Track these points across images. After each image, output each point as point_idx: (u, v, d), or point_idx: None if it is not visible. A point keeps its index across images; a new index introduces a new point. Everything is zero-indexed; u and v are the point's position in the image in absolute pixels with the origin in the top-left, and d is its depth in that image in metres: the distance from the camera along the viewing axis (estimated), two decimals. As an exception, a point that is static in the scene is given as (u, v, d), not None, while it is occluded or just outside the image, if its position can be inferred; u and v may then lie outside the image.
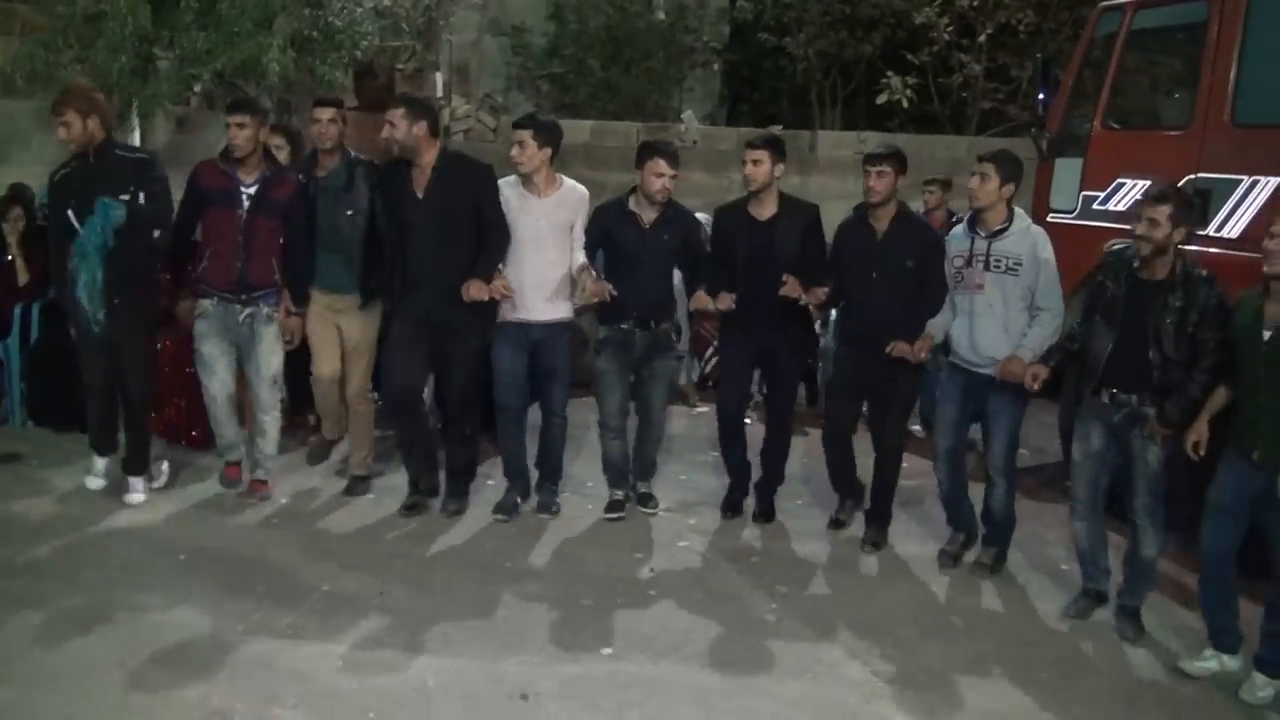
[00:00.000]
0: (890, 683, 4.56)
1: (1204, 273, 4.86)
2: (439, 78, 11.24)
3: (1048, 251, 5.47)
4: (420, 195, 5.85)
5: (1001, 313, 5.47)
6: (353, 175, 6.12)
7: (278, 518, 6.10)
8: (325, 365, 6.34)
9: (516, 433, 6.31)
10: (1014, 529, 5.81)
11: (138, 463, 6.15)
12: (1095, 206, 7.17)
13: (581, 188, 6.16)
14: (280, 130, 6.84)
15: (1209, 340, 4.73)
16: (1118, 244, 6.05)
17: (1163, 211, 4.76)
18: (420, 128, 5.78)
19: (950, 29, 13.53)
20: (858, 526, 6.22)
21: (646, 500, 6.55)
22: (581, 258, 6.01)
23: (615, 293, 5.84)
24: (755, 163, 5.91)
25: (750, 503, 6.49)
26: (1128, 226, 6.40)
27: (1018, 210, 5.58)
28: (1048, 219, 7.46)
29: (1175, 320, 4.79)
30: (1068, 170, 7.55)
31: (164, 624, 4.71)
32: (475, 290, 5.74)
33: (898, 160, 5.75)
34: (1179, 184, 6.05)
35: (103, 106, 5.79)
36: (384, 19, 10.21)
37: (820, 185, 11.70)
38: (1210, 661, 4.80)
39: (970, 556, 5.89)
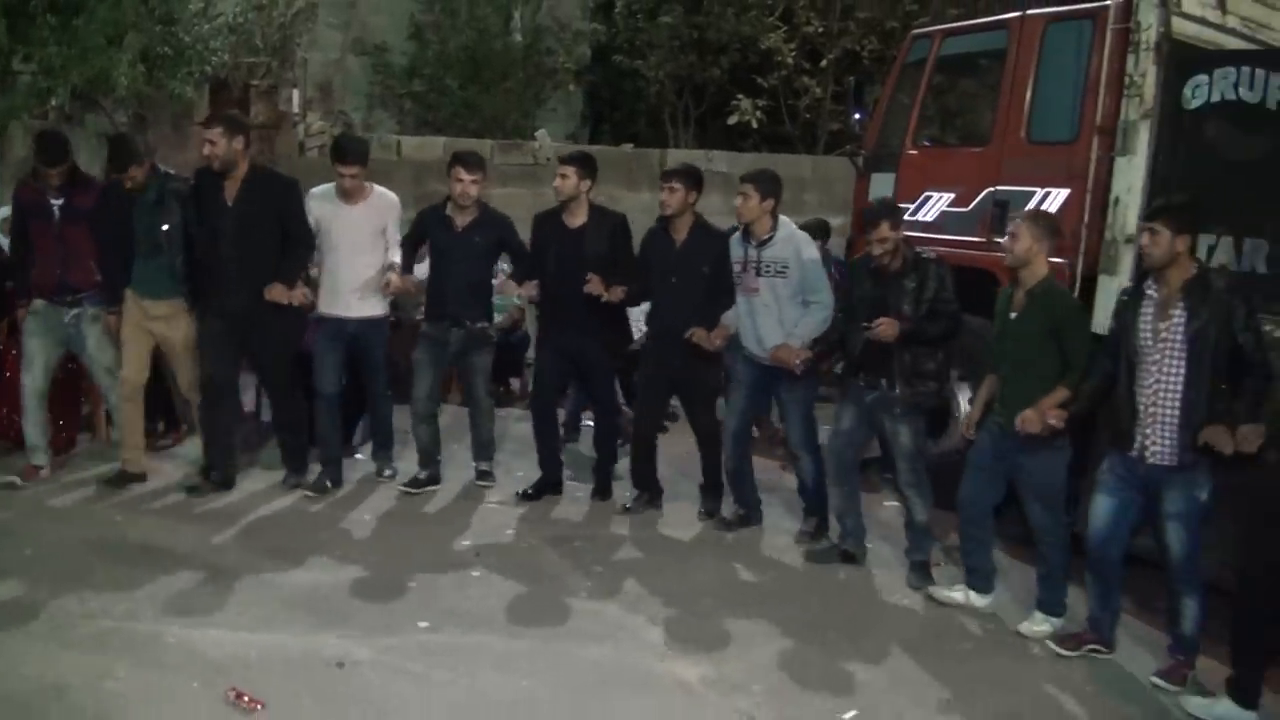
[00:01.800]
0: (685, 644, 4.99)
1: (929, 254, 5.77)
2: (295, 94, 11.45)
3: (810, 252, 6.23)
4: (230, 204, 6.29)
5: (776, 310, 6.17)
6: (163, 191, 6.41)
7: (126, 507, 6.34)
8: (131, 369, 6.55)
9: (331, 420, 6.88)
10: (827, 500, 6.33)
11: None
12: (906, 218, 7.63)
13: (391, 195, 6.82)
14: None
15: (945, 305, 5.61)
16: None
17: (885, 226, 5.64)
18: (238, 143, 6.27)
19: (794, 54, 14.11)
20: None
21: (484, 476, 7.16)
22: (394, 257, 6.60)
23: (418, 287, 6.49)
24: (563, 176, 6.53)
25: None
26: (935, 236, 7.07)
27: (782, 219, 6.30)
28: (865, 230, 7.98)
29: (913, 297, 5.65)
30: (881, 185, 8.00)
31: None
32: (276, 293, 6.27)
33: (688, 177, 6.39)
34: (980, 195, 6.99)
35: None
36: (236, 35, 10.39)
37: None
38: (958, 593, 5.62)
39: (825, 542, 6.40)
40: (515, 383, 9.62)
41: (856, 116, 8.71)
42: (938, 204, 7.49)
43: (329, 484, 6.82)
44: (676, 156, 12.93)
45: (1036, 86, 6.94)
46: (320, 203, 6.62)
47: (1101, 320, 5.86)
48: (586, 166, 6.61)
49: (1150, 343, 4.81)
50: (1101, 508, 5.02)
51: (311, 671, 4.53)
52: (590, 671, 4.70)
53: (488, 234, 6.71)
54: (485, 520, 6.56)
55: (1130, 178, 6.06)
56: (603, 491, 7.02)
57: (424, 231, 6.81)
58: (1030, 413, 5.05)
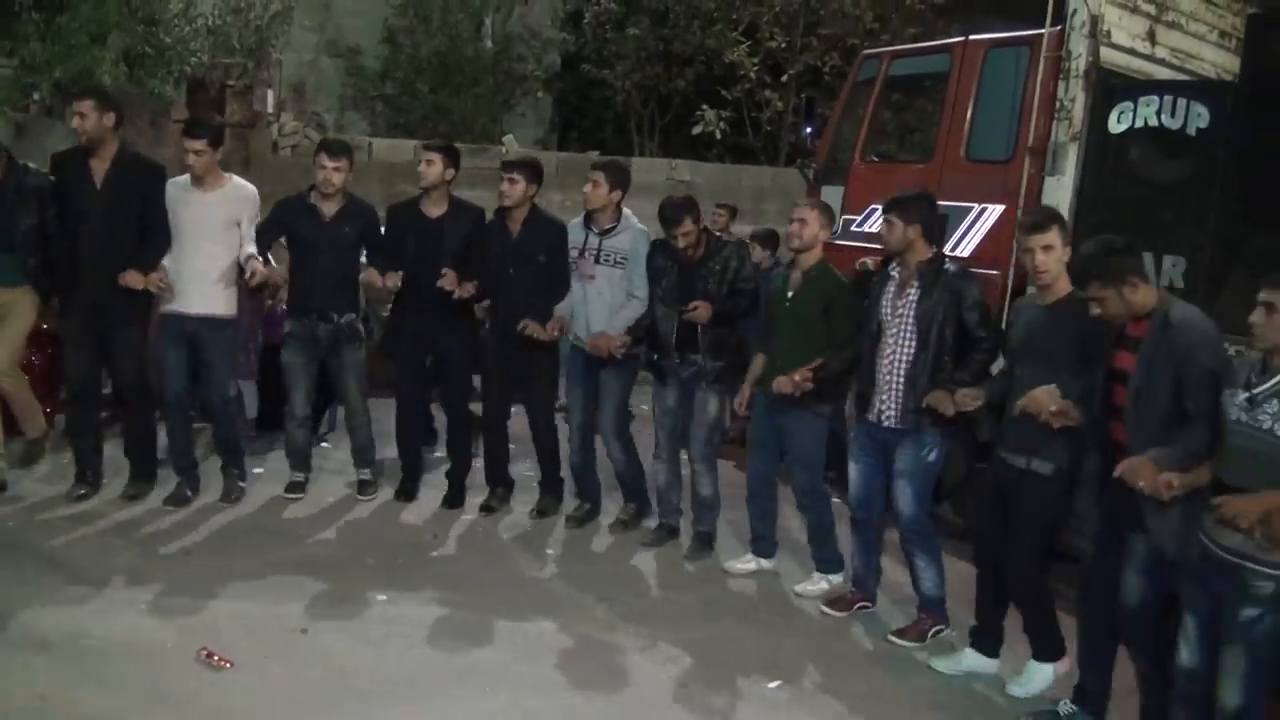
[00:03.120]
0: (625, 619, 5.37)
1: (726, 238, 6.37)
2: (269, 95, 11.73)
3: (644, 249, 6.39)
4: (98, 185, 6.09)
5: (610, 299, 6.38)
6: (21, 187, 6.18)
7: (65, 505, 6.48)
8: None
9: (181, 422, 6.60)
10: (644, 480, 6.76)
11: None
12: (853, 229, 7.97)
13: (250, 186, 6.46)
14: None
15: (745, 284, 6.13)
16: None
17: (687, 221, 6.02)
18: (109, 119, 6.06)
19: (758, 68, 14.51)
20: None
21: (365, 486, 6.96)
22: (250, 249, 6.26)
23: (285, 278, 6.35)
24: (429, 163, 6.50)
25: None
26: (879, 246, 7.43)
27: (626, 211, 6.48)
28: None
29: (716, 279, 6.09)
30: (831, 197, 8.25)
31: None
32: (131, 279, 6.02)
33: (528, 169, 6.50)
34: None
35: None
36: (215, 37, 10.68)
37: (634, 208, 12.46)
38: (750, 563, 6.18)
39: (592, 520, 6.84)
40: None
41: (808, 131, 9.09)
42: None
43: (189, 493, 6.56)
44: (641, 165, 13.29)
45: (976, 108, 7.29)
46: (174, 190, 6.28)
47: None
48: (451, 157, 6.58)
49: (889, 317, 5.33)
50: (854, 472, 5.56)
51: (277, 636, 4.86)
52: (537, 642, 5.05)
53: (356, 224, 6.55)
54: (445, 512, 6.82)
55: (1059, 196, 6.44)
56: (453, 499, 6.90)
57: (284, 222, 6.54)
58: (782, 377, 5.59)
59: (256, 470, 7.14)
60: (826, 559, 5.97)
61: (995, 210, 6.94)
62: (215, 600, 5.18)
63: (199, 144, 6.15)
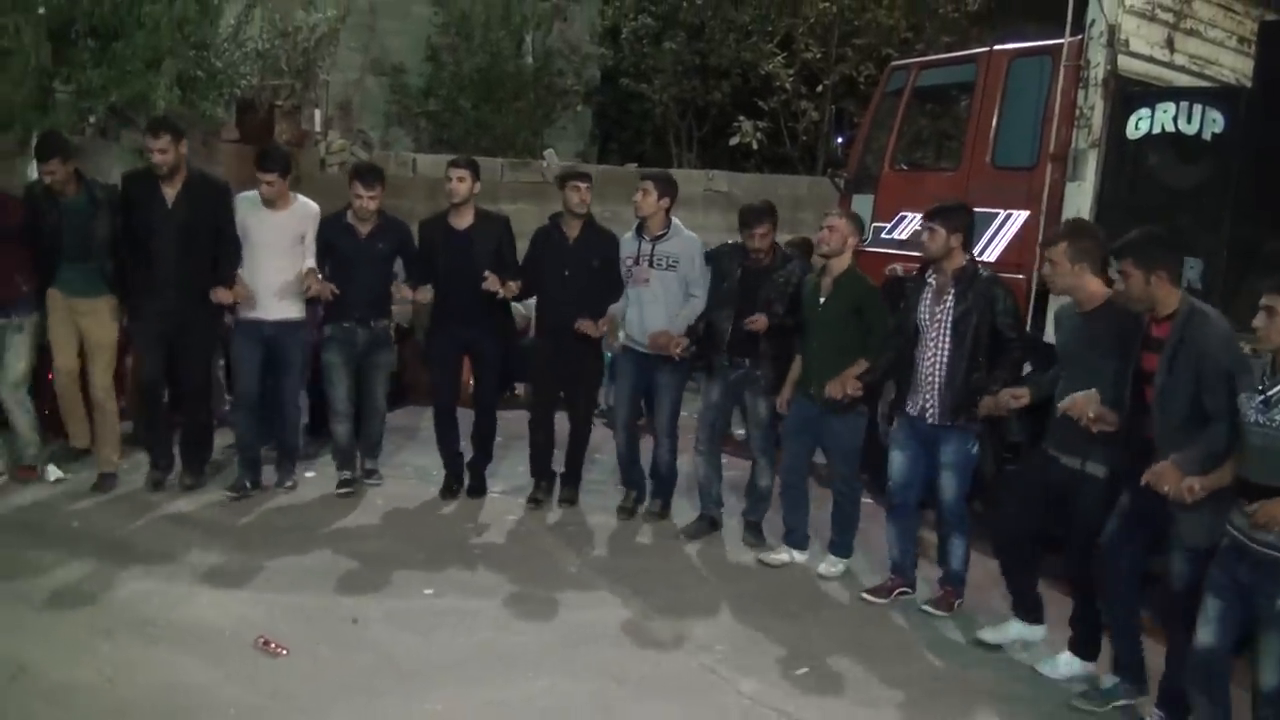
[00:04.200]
0: (661, 611, 5.62)
1: (793, 254, 6.65)
2: (317, 114, 12.05)
3: (699, 251, 6.85)
4: (169, 204, 6.64)
5: (664, 301, 6.78)
6: (94, 198, 6.75)
7: (135, 497, 6.91)
8: (63, 358, 6.94)
9: (249, 421, 7.11)
10: (675, 480, 7.19)
11: None
12: (884, 235, 8.19)
13: (313, 204, 7.08)
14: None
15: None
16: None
17: (767, 224, 6.45)
18: (183, 148, 6.68)
19: (793, 79, 14.71)
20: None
21: (370, 474, 7.46)
22: (310, 263, 6.94)
23: (337, 292, 6.86)
24: (460, 180, 6.94)
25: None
26: (911, 253, 7.64)
27: (674, 219, 6.91)
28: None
29: (778, 291, 6.45)
30: (862, 205, 8.52)
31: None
32: (222, 295, 6.70)
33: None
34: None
35: None
36: (264, 60, 11.02)
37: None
38: (784, 555, 6.47)
39: (641, 509, 7.20)
40: (520, 388, 10.19)
41: (839, 141, 9.31)
42: (911, 223, 8.03)
43: (248, 484, 7.07)
44: (679, 176, 13.42)
45: (1001, 116, 7.51)
46: (245, 208, 6.89)
47: (1051, 329, 6.49)
48: (476, 171, 7.04)
49: (927, 322, 5.67)
50: (898, 460, 5.90)
51: (328, 626, 5.16)
52: (574, 632, 5.31)
53: (389, 240, 7.10)
54: (489, 506, 7.18)
55: (1080, 201, 6.61)
56: (476, 489, 7.37)
57: (327, 240, 7.04)
58: (833, 382, 5.91)
59: (309, 474, 7.48)
60: (845, 544, 6.38)
61: (1020, 216, 7.15)
62: (270, 592, 5.50)
63: (271, 176, 6.76)
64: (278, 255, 6.89)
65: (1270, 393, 3.93)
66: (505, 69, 14.25)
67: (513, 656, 5.00)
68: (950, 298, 5.60)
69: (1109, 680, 4.90)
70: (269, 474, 7.28)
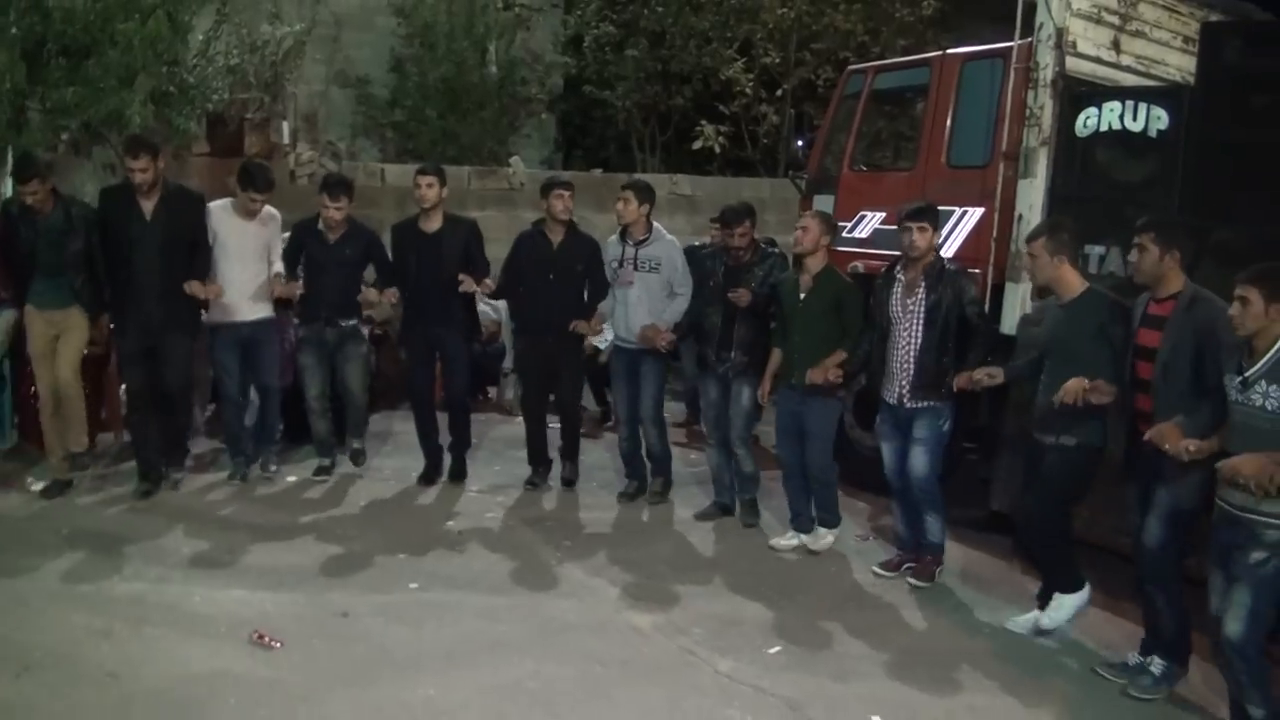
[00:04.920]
0: (638, 600, 5.84)
1: (772, 248, 7.03)
2: (285, 126, 12.19)
3: (680, 255, 7.32)
4: (148, 218, 6.88)
5: (647, 302, 7.19)
6: (69, 215, 6.92)
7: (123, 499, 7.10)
8: (44, 373, 7.07)
9: (235, 415, 7.58)
10: (671, 460, 7.67)
11: None
12: (844, 234, 8.42)
13: (275, 211, 7.45)
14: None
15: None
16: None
17: (747, 224, 6.91)
18: (161, 164, 6.97)
19: (754, 83, 14.96)
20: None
21: (357, 455, 7.85)
22: (279, 267, 7.36)
23: (303, 291, 7.31)
24: (429, 186, 7.31)
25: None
26: (871, 250, 7.88)
27: (656, 224, 7.36)
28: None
29: (759, 283, 6.86)
30: (822, 206, 8.73)
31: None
32: (195, 288, 6.93)
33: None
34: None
35: None
36: (234, 74, 11.15)
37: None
38: (793, 539, 6.84)
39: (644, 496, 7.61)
40: (492, 391, 10.39)
41: (799, 144, 9.56)
42: (871, 222, 8.32)
43: (244, 476, 7.55)
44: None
45: (955, 117, 7.81)
46: (218, 216, 7.25)
47: (1009, 321, 6.79)
48: (442, 177, 7.41)
49: (900, 314, 6.11)
50: (886, 453, 6.34)
51: (320, 620, 5.36)
52: (557, 620, 5.53)
53: (357, 245, 7.50)
54: (467, 504, 7.38)
55: (1031, 197, 6.85)
56: (457, 474, 7.79)
57: (300, 244, 7.50)
58: (815, 369, 6.34)
59: (290, 479, 7.67)
60: (829, 517, 6.84)
61: (976, 213, 7.43)
62: (261, 590, 5.68)
63: (263, 196, 7.23)
64: (251, 261, 7.27)
65: (1248, 374, 4.32)
66: (470, 78, 14.38)
67: (499, 644, 5.20)
68: (922, 290, 6.03)
69: (1135, 658, 5.20)
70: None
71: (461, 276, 7.17)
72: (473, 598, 5.76)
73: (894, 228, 7.98)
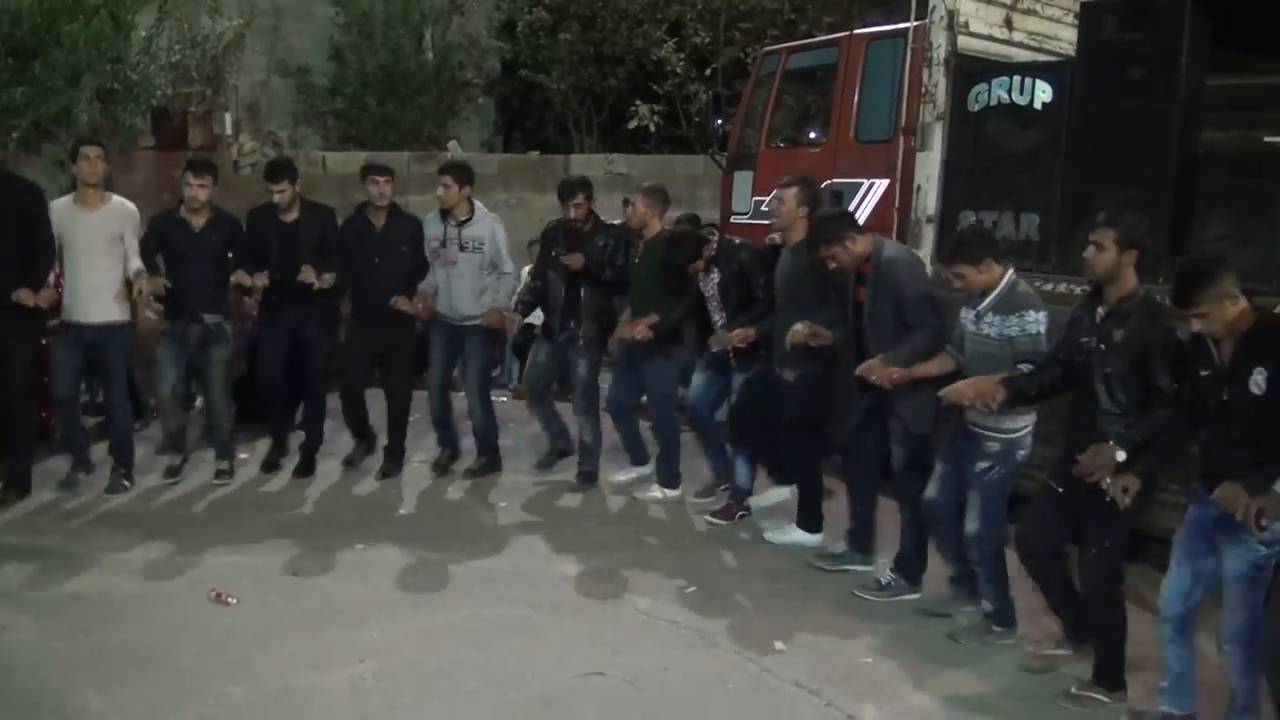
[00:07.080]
0: (570, 552, 6.35)
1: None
2: (228, 118, 12.50)
3: (500, 231, 7.58)
4: None
5: (471, 280, 7.49)
6: None
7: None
8: None
9: (71, 419, 7.34)
10: (495, 435, 7.96)
11: None
12: (764, 209, 8.79)
13: (130, 204, 7.12)
14: None
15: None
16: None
17: (581, 196, 7.39)
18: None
19: (685, 63, 15.37)
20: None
21: (222, 475, 7.56)
22: (136, 263, 6.94)
23: (170, 286, 7.01)
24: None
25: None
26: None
27: (478, 204, 7.60)
28: (730, 221, 9.28)
29: (599, 253, 7.32)
30: (742, 181, 9.33)
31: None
32: (24, 296, 6.54)
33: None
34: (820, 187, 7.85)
35: None
36: (176, 69, 11.43)
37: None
38: (632, 474, 7.62)
39: (458, 468, 7.93)
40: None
41: (718, 123, 10.00)
42: (789, 196, 8.77)
43: (82, 475, 7.27)
44: (581, 160, 14.11)
45: (862, 95, 8.28)
46: (60, 212, 6.83)
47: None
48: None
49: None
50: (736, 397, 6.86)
51: (272, 579, 5.83)
52: (493, 570, 6.06)
53: (221, 233, 7.22)
54: (408, 475, 7.84)
55: (928, 169, 7.32)
56: (304, 469, 7.73)
57: (160, 234, 7.15)
58: (626, 326, 7.06)
59: (242, 455, 8.01)
60: (669, 475, 7.38)
61: (881, 185, 7.89)
62: (214, 557, 6.10)
63: (206, 180, 7.10)
64: (97, 255, 6.87)
65: (979, 308, 5.08)
66: (407, 65, 14.63)
67: (439, 593, 5.72)
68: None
69: (839, 547, 6.21)
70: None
71: (304, 267, 7.19)
72: (411, 553, 6.24)
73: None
